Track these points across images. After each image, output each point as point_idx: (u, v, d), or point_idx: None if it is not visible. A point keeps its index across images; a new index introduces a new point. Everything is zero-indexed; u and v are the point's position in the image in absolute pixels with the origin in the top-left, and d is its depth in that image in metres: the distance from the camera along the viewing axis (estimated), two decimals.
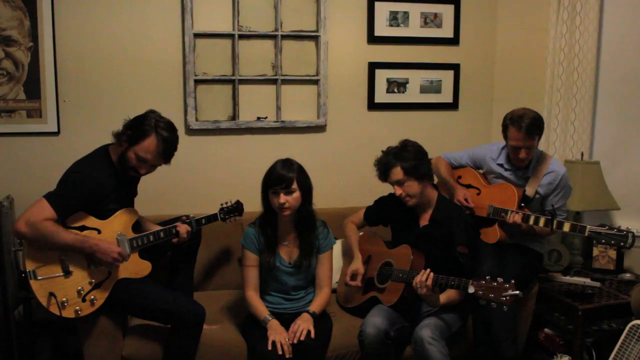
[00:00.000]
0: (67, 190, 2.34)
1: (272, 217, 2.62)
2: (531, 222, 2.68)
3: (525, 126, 2.71)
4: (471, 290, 2.35)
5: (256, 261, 2.62)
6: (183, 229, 2.63)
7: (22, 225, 2.24)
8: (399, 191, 2.65)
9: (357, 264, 2.80)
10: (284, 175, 2.49)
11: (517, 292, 2.27)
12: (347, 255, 2.99)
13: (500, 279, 2.31)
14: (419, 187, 2.66)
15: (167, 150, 2.44)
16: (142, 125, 2.40)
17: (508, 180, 2.92)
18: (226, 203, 2.92)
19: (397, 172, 2.63)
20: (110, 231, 2.43)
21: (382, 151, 2.73)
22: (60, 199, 2.30)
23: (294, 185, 2.51)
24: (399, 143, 2.72)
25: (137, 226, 2.58)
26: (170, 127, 2.47)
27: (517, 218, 2.69)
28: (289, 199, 2.50)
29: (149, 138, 2.39)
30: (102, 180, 2.40)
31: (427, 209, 2.73)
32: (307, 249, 2.63)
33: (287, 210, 2.53)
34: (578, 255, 3.36)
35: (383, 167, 2.67)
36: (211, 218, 2.82)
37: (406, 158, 2.63)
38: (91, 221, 2.40)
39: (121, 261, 2.40)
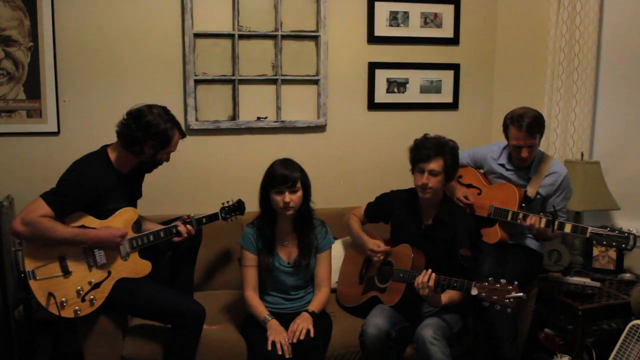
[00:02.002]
0: (64, 189, 2.34)
1: (271, 218, 2.62)
2: (544, 224, 2.67)
3: (525, 125, 2.71)
4: (474, 292, 2.35)
5: (255, 261, 2.62)
6: (183, 228, 2.63)
7: (18, 224, 2.24)
8: (425, 180, 2.60)
9: (373, 241, 2.77)
10: (288, 175, 2.49)
11: (521, 294, 2.26)
12: (353, 245, 2.98)
13: (503, 281, 2.30)
14: (442, 185, 2.66)
15: (182, 130, 2.58)
16: (163, 130, 2.44)
17: (509, 180, 2.92)
18: (227, 202, 2.92)
19: (439, 164, 2.60)
20: None
21: (426, 135, 2.68)
22: (56, 197, 2.30)
23: (298, 184, 2.51)
24: (439, 136, 2.67)
25: (138, 226, 2.57)
26: (168, 110, 2.53)
27: (534, 221, 2.68)
28: (294, 198, 2.51)
29: (175, 136, 2.50)
30: (101, 180, 2.40)
31: (432, 208, 2.73)
32: (306, 249, 2.63)
33: (291, 210, 2.52)
34: (578, 255, 3.36)
35: (426, 152, 2.59)
36: (212, 217, 2.82)
37: (450, 154, 2.62)
38: (90, 221, 2.40)
39: (123, 243, 2.42)
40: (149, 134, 2.42)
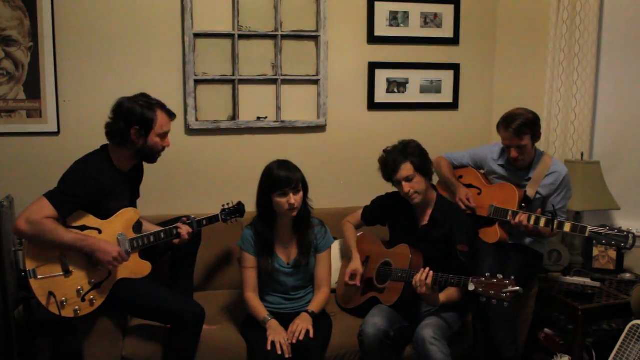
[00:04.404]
0: (68, 189, 2.34)
1: (270, 220, 2.60)
2: (531, 222, 2.68)
3: (512, 126, 2.74)
4: (471, 287, 2.35)
5: (254, 263, 2.62)
6: (184, 230, 2.62)
7: (22, 223, 2.23)
8: (407, 188, 2.62)
9: (356, 264, 2.80)
10: (291, 176, 2.48)
11: (517, 287, 2.26)
12: (346, 256, 2.98)
13: (500, 276, 2.31)
14: (426, 184, 2.66)
15: (169, 110, 2.53)
16: (141, 113, 2.42)
17: (509, 180, 2.92)
18: (228, 204, 2.92)
19: (407, 168, 2.61)
20: (111, 231, 2.43)
21: (385, 150, 2.72)
22: (60, 197, 2.30)
23: (300, 184, 2.51)
24: (398, 142, 2.72)
25: (138, 226, 2.57)
26: (145, 94, 2.50)
27: (522, 218, 2.68)
28: (297, 199, 2.50)
29: (158, 116, 2.45)
30: (102, 179, 2.40)
31: (426, 209, 2.73)
32: (305, 248, 2.63)
33: (296, 211, 2.52)
34: (578, 255, 3.36)
35: (391, 164, 2.63)
36: (212, 219, 2.81)
37: (413, 154, 2.63)
38: (92, 221, 2.40)
39: (121, 262, 2.40)
40: (129, 121, 2.41)
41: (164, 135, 2.51)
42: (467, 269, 2.54)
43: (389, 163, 2.65)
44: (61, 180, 2.38)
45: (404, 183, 2.62)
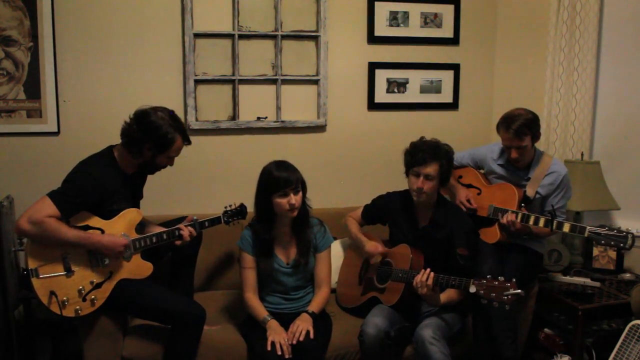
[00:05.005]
0: (71, 190, 2.34)
1: (269, 221, 2.60)
2: (531, 222, 2.68)
3: (513, 127, 2.74)
4: (472, 289, 2.35)
5: (253, 263, 2.61)
6: (186, 231, 2.62)
7: (24, 222, 2.23)
8: (420, 184, 2.59)
9: (371, 243, 2.77)
10: (290, 177, 2.48)
11: (519, 291, 2.27)
12: (353, 246, 2.98)
13: (501, 278, 2.31)
14: (436, 189, 2.66)
15: (187, 136, 2.54)
16: (163, 134, 2.41)
17: (509, 180, 2.92)
18: (230, 206, 2.91)
19: (434, 168, 2.58)
20: (113, 231, 2.43)
21: (421, 139, 2.67)
22: (63, 197, 2.30)
23: (299, 185, 2.51)
24: (431, 139, 2.67)
25: (141, 227, 2.57)
26: (174, 115, 2.51)
27: (512, 217, 2.68)
28: (298, 199, 2.50)
29: (177, 141, 2.47)
30: (106, 180, 2.40)
31: (427, 209, 2.73)
32: (305, 248, 2.62)
33: (296, 210, 2.52)
34: (578, 255, 3.36)
35: (421, 156, 2.58)
36: (215, 221, 2.81)
37: (445, 158, 2.61)
38: (95, 221, 2.40)
39: (125, 254, 2.40)
40: (148, 136, 2.41)
41: (172, 158, 2.55)
42: (468, 272, 2.54)
43: (421, 152, 2.59)
44: (65, 181, 2.38)
45: (421, 178, 2.60)
